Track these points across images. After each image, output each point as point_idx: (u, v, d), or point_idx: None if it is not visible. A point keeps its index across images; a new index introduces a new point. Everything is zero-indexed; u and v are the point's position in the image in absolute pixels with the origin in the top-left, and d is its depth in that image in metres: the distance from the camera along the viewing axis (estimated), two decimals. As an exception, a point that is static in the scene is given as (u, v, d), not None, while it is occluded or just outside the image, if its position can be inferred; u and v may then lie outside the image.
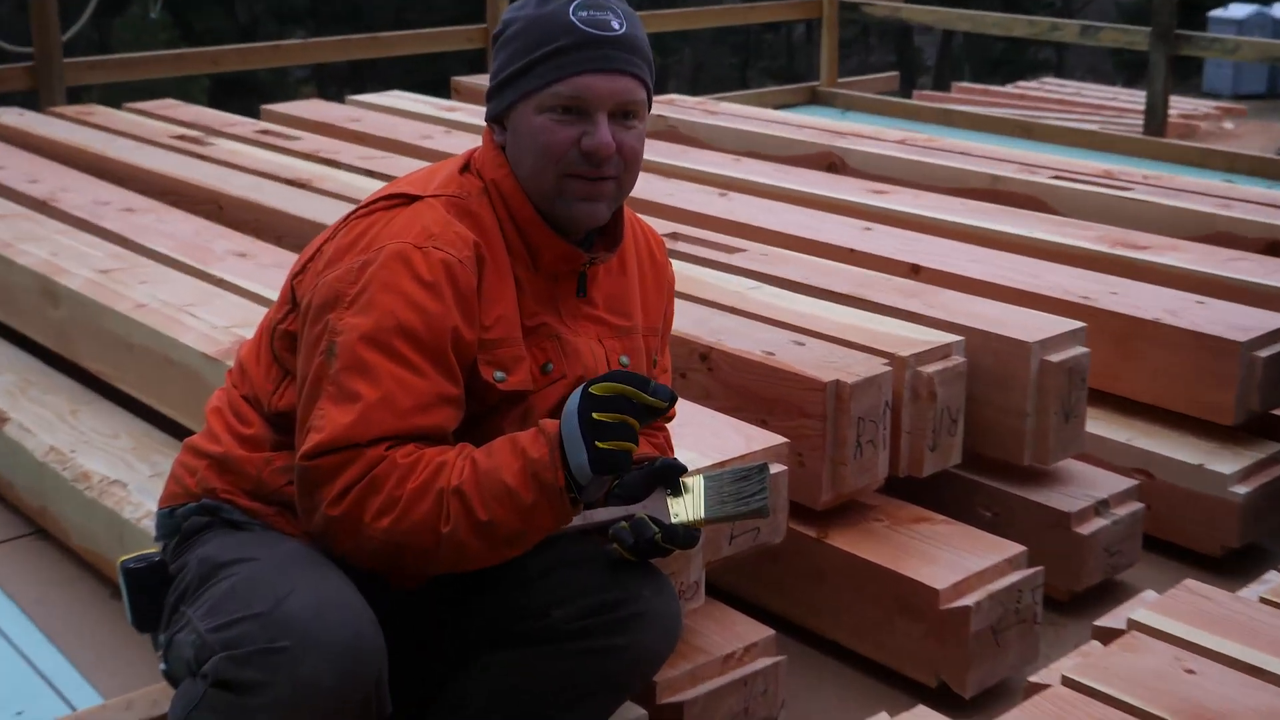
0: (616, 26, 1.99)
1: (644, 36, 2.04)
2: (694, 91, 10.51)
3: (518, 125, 2.02)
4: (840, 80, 9.25)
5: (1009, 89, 11.17)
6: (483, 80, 7.07)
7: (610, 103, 1.98)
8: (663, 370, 2.29)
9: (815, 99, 8.92)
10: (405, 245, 1.95)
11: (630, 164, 2.02)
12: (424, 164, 5.01)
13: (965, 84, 11.91)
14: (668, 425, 2.36)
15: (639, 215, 2.30)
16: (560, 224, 2.05)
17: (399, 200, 2.04)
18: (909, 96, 11.52)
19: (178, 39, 20.43)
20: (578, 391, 1.90)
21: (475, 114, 6.19)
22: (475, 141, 5.48)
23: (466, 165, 2.10)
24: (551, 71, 1.97)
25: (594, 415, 1.86)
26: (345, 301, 1.94)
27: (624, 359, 2.14)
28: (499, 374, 2.00)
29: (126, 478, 3.09)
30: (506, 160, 2.05)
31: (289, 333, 2.06)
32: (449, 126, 5.99)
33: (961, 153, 5.34)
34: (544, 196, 2.03)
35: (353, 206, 4.29)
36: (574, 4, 1.99)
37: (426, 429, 1.91)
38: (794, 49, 29.12)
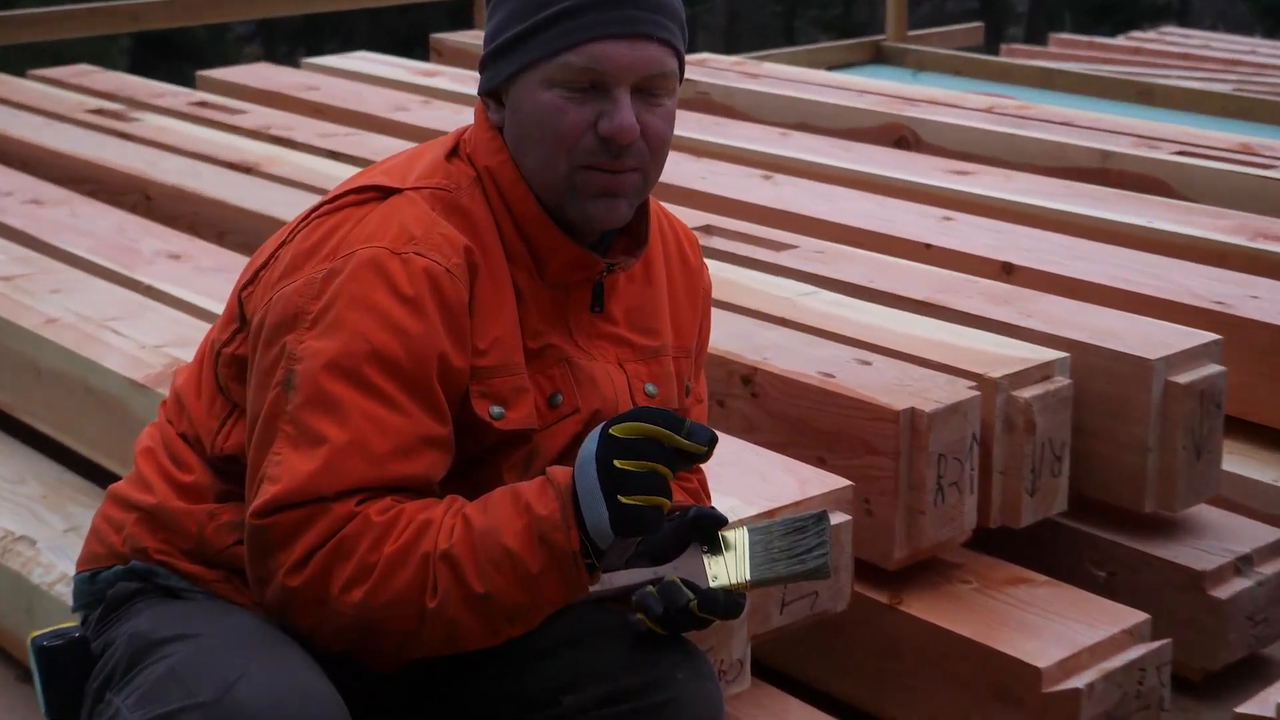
0: None
1: None
2: (729, 48, 10.54)
3: (519, 102, 2.02)
4: (911, 33, 9.26)
5: (1120, 41, 11.17)
6: (470, 38, 7.11)
7: (634, 75, 1.98)
8: (697, 400, 2.30)
9: (880, 57, 8.93)
10: (380, 250, 1.96)
11: (657, 151, 2.03)
12: (399, 143, 5.12)
13: (1065, 35, 11.91)
14: (703, 466, 2.37)
15: (666, 207, 2.30)
16: (571, 223, 2.05)
17: (372, 193, 2.05)
18: (995, 52, 11.52)
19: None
20: (595, 433, 1.90)
21: (461, 80, 6.22)
22: (461, 114, 5.51)
23: (455, 149, 2.11)
24: (562, 36, 1.97)
25: (615, 463, 1.86)
26: (306, 320, 1.95)
27: (650, 387, 2.14)
28: (496, 409, 2.00)
29: (35, 533, 3.11)
30: (505, 144, 2.05)
31: (237, 357, 2.07)
32: (428, 95, 6.02)
33: (1063, 123, 5.35)
34: (552, 191, 2.03)
35: (311, 195, 4.40)
36: None
37: (407, 478, 1.92)
38: (852, -7, 29.17)
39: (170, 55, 22.59)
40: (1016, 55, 10.49)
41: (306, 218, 2.07)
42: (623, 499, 1.85)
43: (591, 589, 1.96)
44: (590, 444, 1.89)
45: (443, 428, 1.95)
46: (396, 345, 1.92)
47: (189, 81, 6.44)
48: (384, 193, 2.04)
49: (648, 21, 1.98)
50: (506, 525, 1.87)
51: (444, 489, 1.98)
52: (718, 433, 1.95)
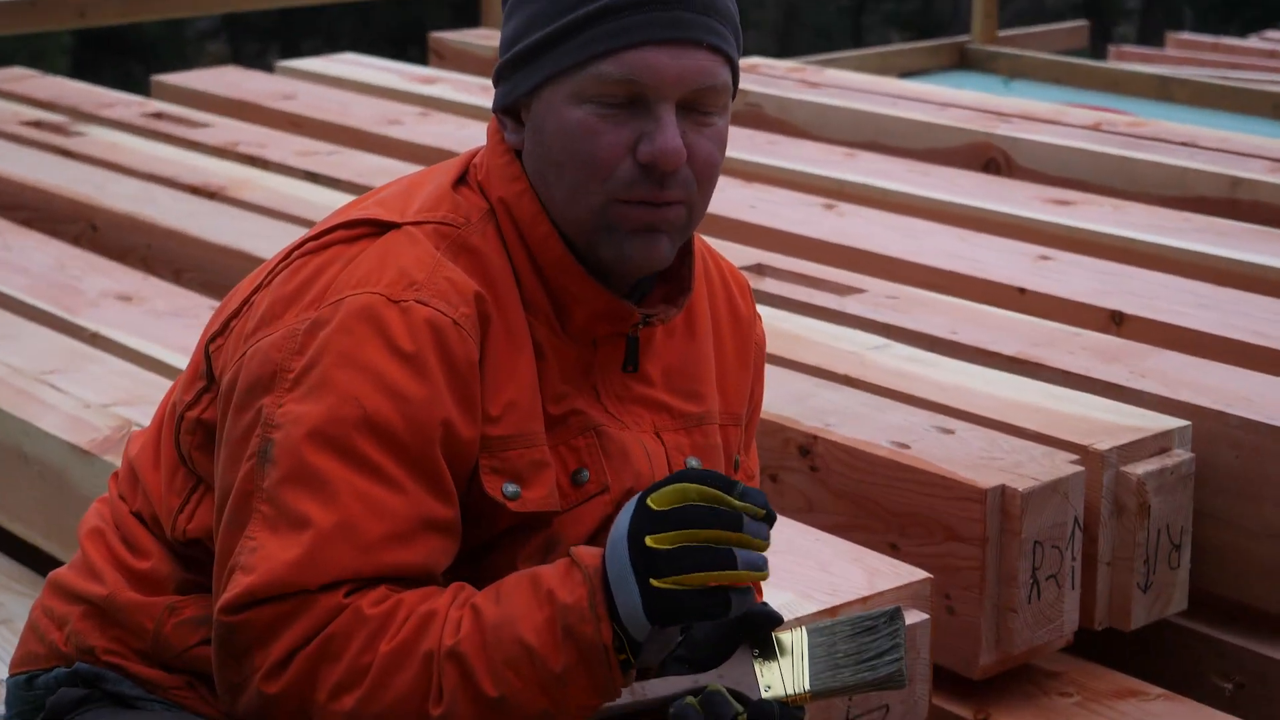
0: None
1: None
2: (785, 51, 10.57)
3: (543, 120, 2.02)
4: (1002, 34, 9.30)
5: (1251, 43, 11.19)
6: (476, 38, 7.16)
7: (680, 89, 1.98)
8: (748, 475, 2.30)
9: (965, 62, 8.96)
10: (374, 297, 1.97)
11: (704, 180, 2.03)
12: (391, 162, 5.16)
13: (1185, 35, 11.93)
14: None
15: (710, 245, 2.31)
16: (604, 265, 2.05)
17: (365, 228, 2.05)
18: (1102, 56, 11.54)
19: (26, -26, 20.68)
20: (630, 504, 1.91)
21: (465, 87, 6.27)
22: (465, 128, 5.55)
23: (464, 176, 2.12)
24: (595, 42, 1.98)
25: (648, 540, 1.88)
26: (287, 380, 1.96)
27: (692, 460, 2.15)
28: (510, 487, 2.01)
29: (-42, 627, 3.13)
30: (523, 171, 2.06)
31: (203, 422, 2.09)
32: (425, 106, 6.06)
33: (1184, 143, 5.36)
34: (581, 227, 2.03)
35: (287, 224, 4.43)
36: None
37: (404, 568, 1.92)
38: (931, -15, 29.24)
39: (119, 54, 22.75)
40: (1127, 60, 10.51)
41: (287, 256, 2.08)
42: (655, 582, 1.86)
43: (619, 701, 1.97)
44: (624, 517, 1.90)
45: (447, 509, 1.96)
46: (393, 411, 1.93)
47: (139, 84, 6.51)
48: (379, 227, 2.04)
49: (698, 25, 1.98)
50: (524, 617, 1.88)
51: (448, 578, 1.99)
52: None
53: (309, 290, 2.00)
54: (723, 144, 2.04)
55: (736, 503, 1.88)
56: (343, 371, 1.93)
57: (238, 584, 1.90)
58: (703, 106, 2.00)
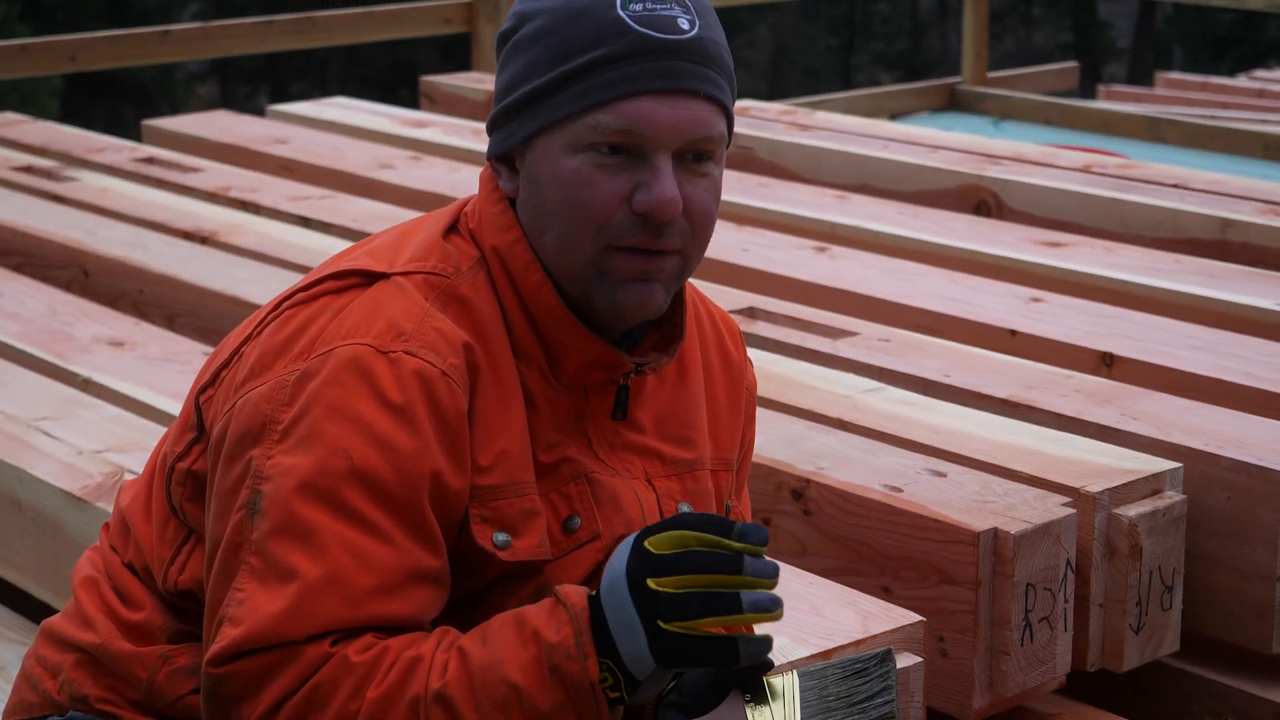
0: (685, 26, 2.01)
1: (722, 37, 2.07)
2: (774, 90, 10.60)
3: (538, 170, 2.04)
4: (992, 75, 9.33)
5: (1241, 82, 11.25)
6: (468, 82, 7.18)
7: (677, 139, 2.00)
8: (738, 519, 2.30)
9: (955, 103, 9.00)
10: (363, 348, 1.98)
11: (700, 230, 2.04)
12: (382, 207, 5.18)
13: (1175, 75, 12.00)
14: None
15: (701, 291, 2.33)
16: (598, 314, 2.06)
17: (354, 279, 2.07)
18: (1092, 94, 11.57)
19: (16, 18, 20.76)
20: (625, 544, 1.92)
21: (456, 131, 6.28)
22: (456, 172, 5.57)
23: (455, 224, 2.13)
24: (592, 91, 1.99)
25: (650, 583, 1.88)
26: (276, 432, 1.97)
27: (684, 508, 2.16)
28: (501, 536, 2.02)
29: (-50, 675, 3.13)
30: (517, 220, 2.07)
31: (194, 474, 2.10)
32: (417, 150, 6.07)
33: (1175, 185, 5.38)
34: (575, 277, 2.04)
35: (279, 270, 4.44)
36: None
37: (392, 618, 1.93)
38: (920, 26, 29.35)
39: (109, 96, 22.81)
40: (1117, 99, 10.57)
41: (277, 307, 2.09)
42: (663, 625, 1.87)
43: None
44: (619, 559, 1.91)
45: (435, 560, 1.97)
46: (382, 462, 1.94)
47: (130, 126, 6.53)
48: (368, 278, 2.06)
49: (693, 75, 2.00)
50: (511, 657, 1.89)
51: (435, 628, 1.99)
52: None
53: (298, 341, 2.01)
54: (718, 193, 2.06)
55: (735, 544, 1.89)
56: (332, 423, 1.94)
57: (225, 636, 1.91)
58: (699, 156, 2.02)
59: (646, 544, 1.89)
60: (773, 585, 1.91)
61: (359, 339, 1.98)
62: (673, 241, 2.02)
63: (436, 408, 1.97)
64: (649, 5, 2.00)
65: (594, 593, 1.93)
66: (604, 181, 2.00)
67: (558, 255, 2.04)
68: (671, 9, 2.01)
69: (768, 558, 1.91)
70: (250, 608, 1.91)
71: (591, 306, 2.05)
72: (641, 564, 1.88)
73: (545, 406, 2.07)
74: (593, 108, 1.99)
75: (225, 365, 2.10)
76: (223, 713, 1.93)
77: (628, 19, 1.99)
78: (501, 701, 1.87)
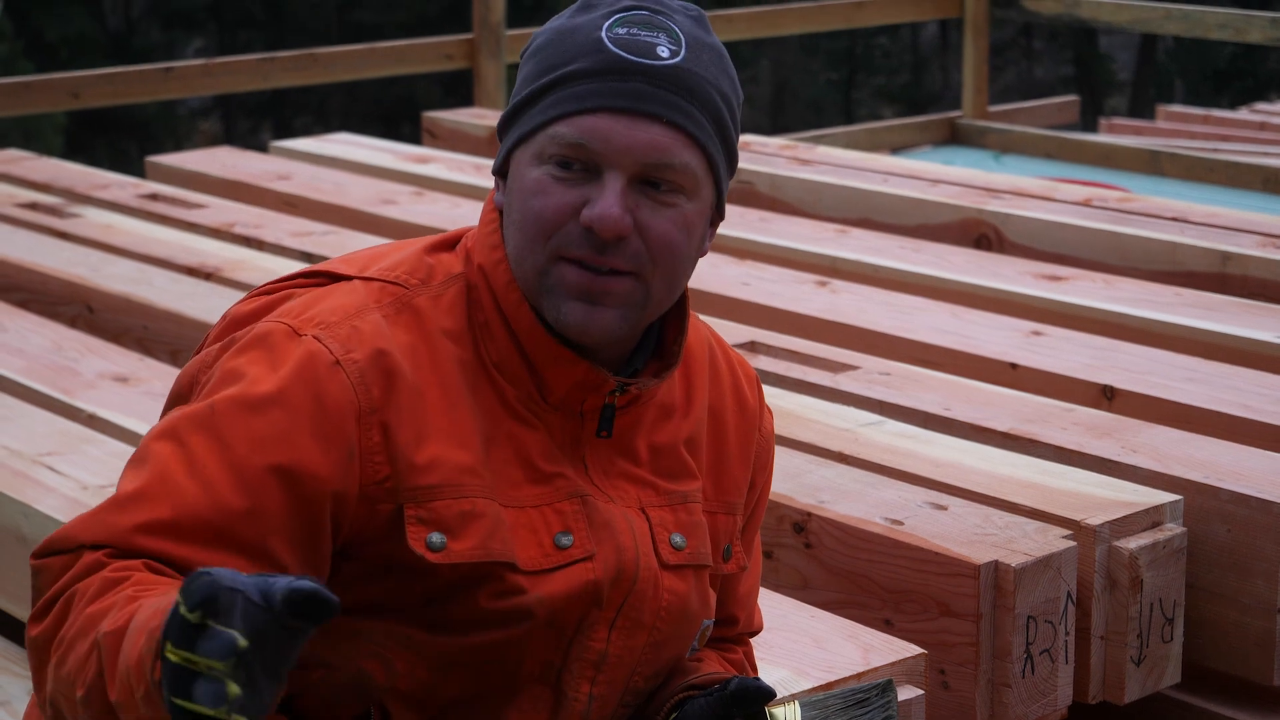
0: (665, 54, 2.02)
1: (718, 79, 2.06)
2: (775, 123, 10.63)
3: (512, 181, 2.07)
4: (993, 109, 9.36)
5: (1243, 115, 11.27)
6: (469, 118, 7.21)
7: (631, 160, 2.00)
8: (739, 567, 2.27)
9: (956, 137, 9.02)
10: (279, 326, 2.02)
11: (661, 259, 2.03)
12: (385, 242, 5.16)
13: (1176, 108, 12.02)
14: (751, 639, 2.40)
15: (720, 335, 2.32)
16: (560, 331, 2.06)
17: (321, 278, 2.12)
18: (1094, 127, 11.60)
19: (20, 54, 20.83)
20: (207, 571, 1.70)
21: (459, 167, 6.31)
22: (459, 207, 5.61)
23: (453, 243, 2.15)
24: (556, 105, 2.02)
25: (168, 650, 1.63)
26: (197, 392, 2.02)
27: (678, 538, 2.14)
28: (436, 537, 2.00)
29: (-44, 709, 3.15)
30: (503, 240, 2.09)
31: None
32: (419, 185, 6.10)
33: (1174, 218, 5.40)
34: (530, 289, 2.05)
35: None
36: (615, 16, 2.04)
37: (172, 558, 1.90)
38: (921, 60, 29.42)
39: (112, 132, 22.89)
40: (1118, 132, 10.59)
41: (246, 297, 2.15)
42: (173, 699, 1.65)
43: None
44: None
45: (250, 529, 1.92)
46: (239, 420, 1.95)
47: (133, 161, 6.56)
48: (332, 279, 2.11)
49: (659, 101, 2.01)
50: (140, 631, 1.75)
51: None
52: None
53: (249, 323, 2.07)
54: (686, 227, 2.04)
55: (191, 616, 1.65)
56: (220, 383, 1.99)
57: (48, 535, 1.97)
58: (661, 184, 2.02)
59: (180, 595, 1.64)
60: (224, 668, 1.62)
61: (283, 319, 2.03)
62: (618, 261, 2.01)
63: (317, 390, 1.98)
64: (633, 30, 2.02)
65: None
66: (558, 192, 2.01)
67: (516, 265, 2.06)
68: (656, 36, 2.02)
69: (232, 632, 1.62)
70: (77, 516, 1.97)
71: (547, 319, 2.06)
72: (172, 617, 1.65)
73: (538, 423, 2.08)
74: (556, 119, 2.01)
75: (198, 352, 2.15)
76: (37, 609, 1.94)
77: (606, 39, 2.01)
78: (123, 672, 1.77)
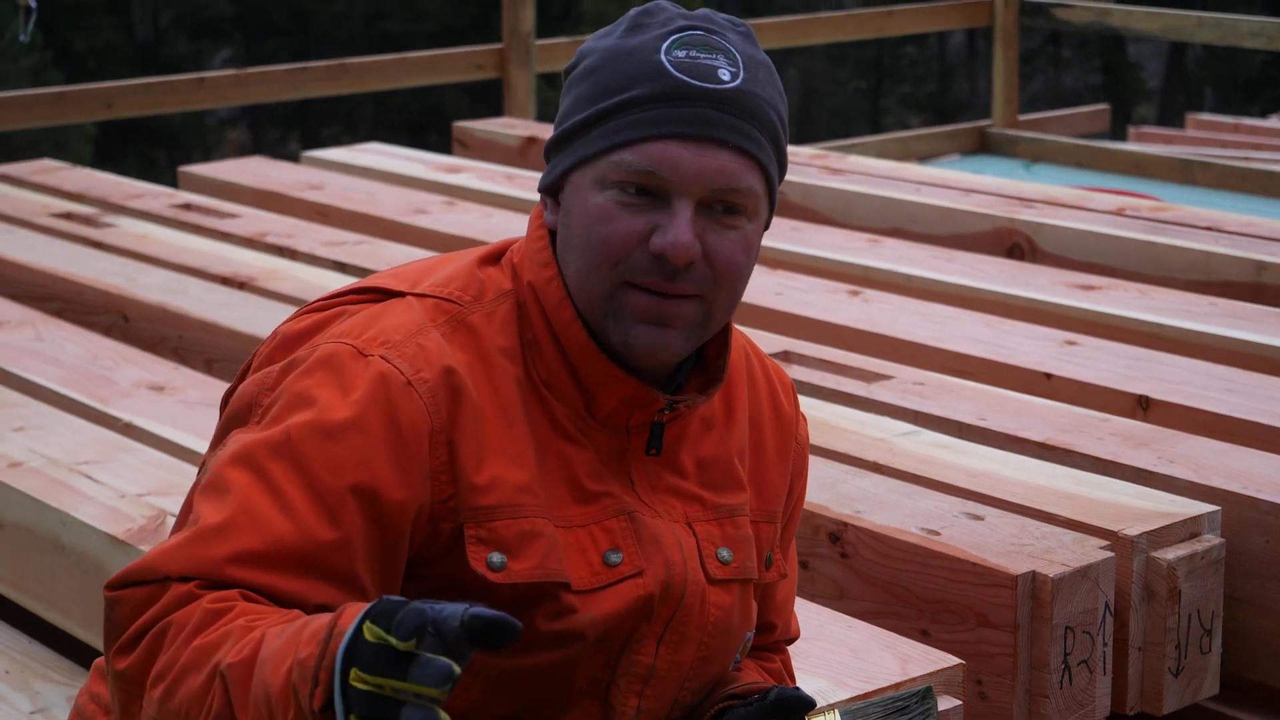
0: (726, 77, 2.02)
1: (774, 98, 2.07)
2: (801, 132, 10.63)
3: (570, 204, 2.07)
4: (1023, 118, 9.35)
5: (1273, 123, 11.24)
6: (500, 127, 7.22)
7: (700, 186, 2.01)
8: (780, 574, 2.28)
9: (986, 145, 9.02)
10: (344, 347, 2.01)
11: (725, 281, 2.04)
12: (417, 251, 5.20)
13: (1206, 116, 12.00)
14: (788, 647, 2.41)
15: (756, 345, 2.33)
16: (620, 353, 2.07)
17: (372, 294, 2.12)
18: (1122, 136, 11.58)
19: (50, 65, 20.90)
20: (369, 605, 1.76)
21: (490, 177, 6.32)
22: (490, 218, 5.62)
23: (498, 256, 2.16)
24: (621, 131, 2.02)
25: (353, 672, 1.71)
26: (257, 413, 2.02)
27: (724, 553, 2.16)
28: (497, 557, 2.01)
29: (-5, 717, 3.16)
30: (555, 257, 2.10)
31: None
32: (451, 195, 6.12)
33: (1208, 227, 5.39)
34: (593, 311, 2.06)
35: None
36: (672, 38, 2.03)
37: (265, 588, 1.92)
38: (948, 69, 29.41)
39: (141, 141, 22.96)
40: (1147, 141, 10.57)
41: (298, 311, 2.15)
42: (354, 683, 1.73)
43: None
44: (362, 613, 1.74)
45: (338, 555, 1.94)
46: (316, 446, 1.96)
47: (162, 170, 6.60)
48: (384, 295, 2.11)
49: (723, 124, 2.01)
50: (279, 660, 1.80)
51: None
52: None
53: (304, 341, 2.07)
54: (748, 250, 2.06)
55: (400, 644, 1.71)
56: (292, 407, 1.99)
57: (125, 566, 1.96)
58: (726, 208, 2.03)
59: (367, 622, 1.72)
60: (439, 694, 1.70)
61: (346, 339, 2.03)
62: (687, 286, 2.02)
63: (391, 411, 1.98)
64: (693, 53, 2.02)
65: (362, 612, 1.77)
66: (625, 219, 2.01)
67: (578, 288, 2.06)
68: (715, 59, 2.02)
69: (446, 660, 1.69)
70: (157, 546, 1.96)
71: (610, 343, 2.06)
72: (355, 642, 1.73)
73: (585, 441, 2.09)
74: (620, 146, 2.01)
75: (247, 369, 2.15)
76: (110, 639, 1.95)
77: (668, 63, 2.01)
78: (261, 703, 1.81)
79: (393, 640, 1.66)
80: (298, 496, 1.94)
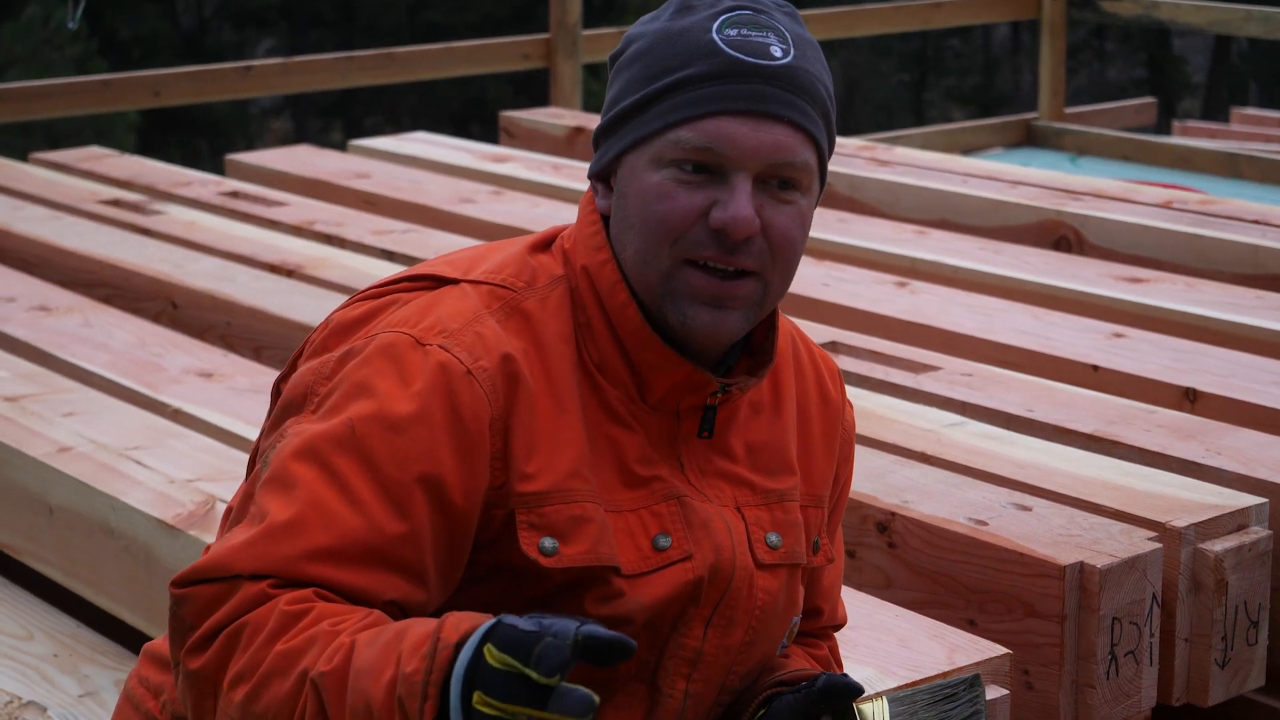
0: (778, 54, 2.04)
1: (823, 74, 2.09)
2: (845, 124, 10.61)
3: (625, 185, 2.08)
4: (1069, 111, 9.33)
5: (1320, 119, 11.19)
6: (546, 117, 7.23)
7: (757, 161, 2.03)
8: (828, 559, 2.30)
9: (1032, 138, 9.00)
10: (402, 337, 2.03)
11: (782, 256, 2.06)
12: (464, 240, 5.22)
13: (1251, 110, 11.94)
14: (835, 633, 2.42)
15: (802, 330, 2.34)
16: (674, 333, 2.09)
17: (426, 282, 2.13)
18: (1166, 131, 11.54)
19: (95, 53, 20.98)
20: (489, 623, 1.81)
21: (537, 166, 6.34)
22: (537, 207, 5.63)
23: (548, 243, 2.17)
24: (677, 109, 2.03)
25: (476, 696, 1.76)
26: (313, 402, 2.03)
27: (773, 537, 2.17)
28: (549, 542, 2.02)
29: (46, 698, 3.17)
30: (608, 241, 2.11)
31: None
32: (498, 184, 6.13)
33: (1255, 221, 5.38)
34: (651, 291, 2.07)
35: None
36: (722, 18, 2.06)
37: (339, 584, 1.94)
38: (992, 61, 29.33)
39: (184, 130, 23.02)
40: (1192, 135, 10.54)
41: (351, 298, 2.17)
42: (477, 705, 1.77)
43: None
44: (478, 633, 1.80)
45: (407, 547, 1.97)
46: (381, 440, 1.97)
47: (205, 159, 6.63)
48: (438, 282, 2.12)
49: (780, 101, 2.03)
50: (378, 671, 1.84)
51: None
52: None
53: (357, 328, 2.08)
54: (803, 224, 2.08)
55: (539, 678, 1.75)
56: (350, 396, 2.00)
57: (193, 563, 1.97)
58: (782, 182, 2.05)
59: (488, 645, 1.77)
60: None
61: (404, 328, 2.04)
62: (747, 261, 2.04)
63: (453, 401, 2.00)
64: (744, 31, 2.04)
65: (478, 633, 1.82)
66: (683, 196, 2.03)
67: (636, 269, 2.07)
68: (766, 36, 2.05)
69: (588, 691, 1.75)
70: (223, 542, 1.97)
71: (669, 325, 2.08)
72: (476, 668, 1.78)
73: (636, 425, 2.10)
74: (677, 124, 2.03)
75: (299, 356, 2.16)
76: (177, 636, 1.96)
77: (720, 42, 2.03)
78: (359, 713, 1.84)
79: (532, 674, 1.71)
80: (365, 490, 1.96)
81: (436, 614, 1.92)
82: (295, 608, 1.90)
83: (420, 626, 1.85)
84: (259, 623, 1.90)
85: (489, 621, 1.79)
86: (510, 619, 1.77)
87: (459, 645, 1.80)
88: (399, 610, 1.97)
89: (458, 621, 1.83)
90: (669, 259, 2.04)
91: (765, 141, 2.03)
